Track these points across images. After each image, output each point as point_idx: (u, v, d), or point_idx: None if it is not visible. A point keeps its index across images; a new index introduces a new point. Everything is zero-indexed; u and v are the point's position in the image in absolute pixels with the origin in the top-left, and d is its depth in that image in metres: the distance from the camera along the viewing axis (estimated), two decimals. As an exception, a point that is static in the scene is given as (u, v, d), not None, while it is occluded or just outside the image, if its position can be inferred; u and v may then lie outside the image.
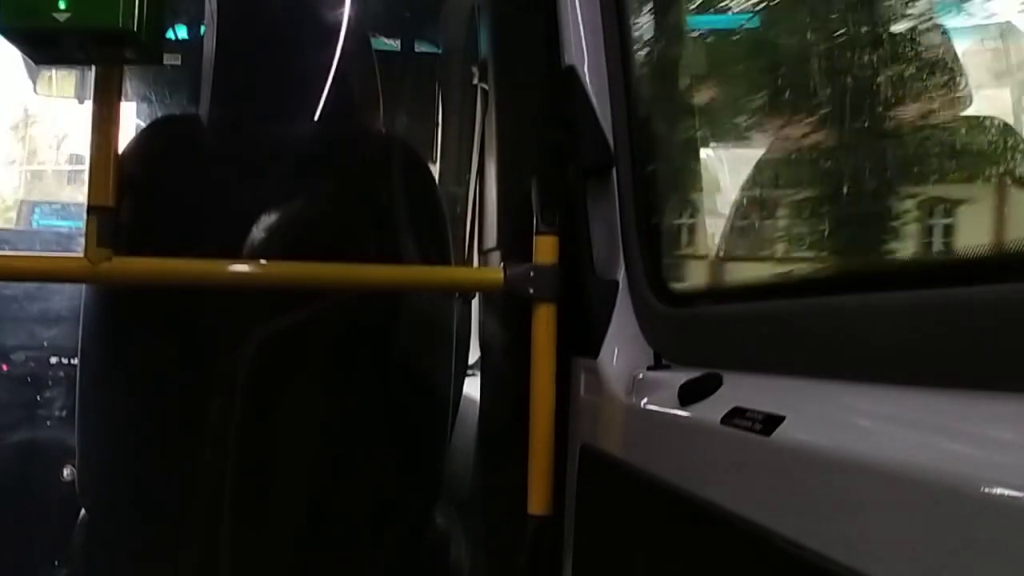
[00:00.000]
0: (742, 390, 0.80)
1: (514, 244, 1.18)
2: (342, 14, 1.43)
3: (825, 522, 0.62)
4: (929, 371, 0.60)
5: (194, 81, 1.47)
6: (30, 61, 2.16)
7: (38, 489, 2.41)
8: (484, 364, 1.30)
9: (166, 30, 2.06)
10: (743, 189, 1.01)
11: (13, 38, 1.02)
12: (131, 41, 1.02)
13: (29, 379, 2.60)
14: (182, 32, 2.30)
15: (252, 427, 1.36)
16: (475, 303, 1.75)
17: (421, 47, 2.51)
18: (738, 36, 1.09)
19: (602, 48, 1.16)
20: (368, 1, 1.64)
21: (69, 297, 2.45)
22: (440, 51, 2.51)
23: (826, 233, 0.85)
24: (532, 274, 1.13)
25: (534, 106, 1.24)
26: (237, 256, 1.27)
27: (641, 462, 0.92)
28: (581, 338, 1.12)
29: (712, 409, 0.79)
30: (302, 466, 1.41)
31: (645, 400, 0.97)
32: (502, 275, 1.15)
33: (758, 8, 1.03)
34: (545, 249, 1.13)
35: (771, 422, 0.69)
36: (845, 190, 0.84)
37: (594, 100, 1.15)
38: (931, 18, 0.78)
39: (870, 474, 0.58)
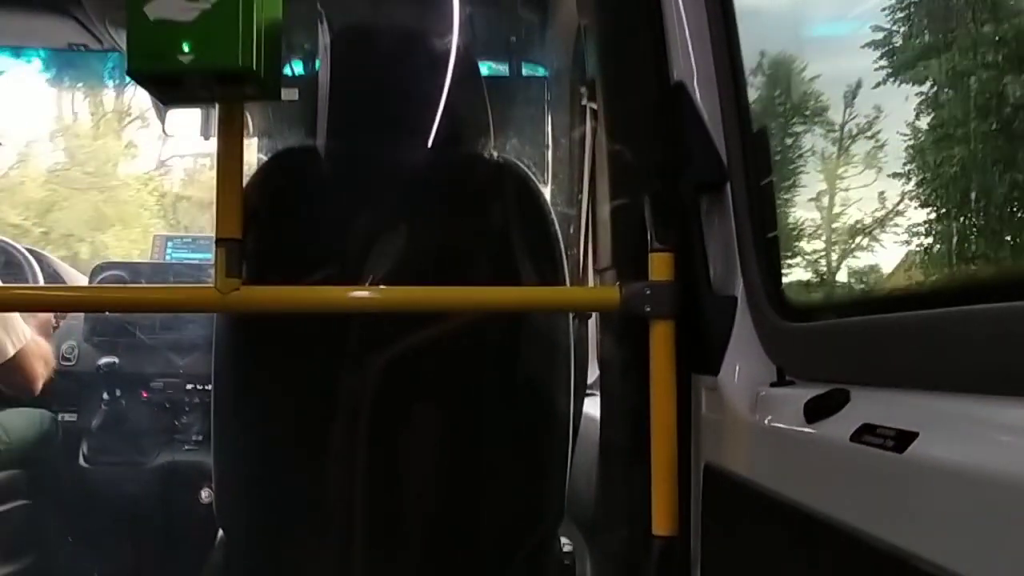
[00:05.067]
0: (871, 406, 0.78)
1: (629, 262, 1.18)
2: (450, 43, 1.46)
3: (964, 542, 0.60)
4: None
5: (311, 114, 1.52)
6: (159, 103, 2.28)
7: (178, 511, 2.51)
8: (603, 383, 1.30)
9: (283, 67, 2.13)
10: (864, 199, 0.98)
11: (143, 82, 1.08)
12: (251, 79, 1.06)
13: (167, 405, 2.71)
14: (298, 68, 2.38)
15: (379, 449, 1.39)
16: (592, 322, 1.75)
17: (528, 70, 2.54)
18: (851, 43, 1.06)
19: (711, 63, 1.14)
20: (476, 28, 1.67)
21: (202, 325, 2.55)
22: (547, 73, 2.53)
23: (955, 242, 0.82)
24: (648, 292, 1.12)
25: (644, 124, 1.24)
26: (358, 281, 1.31)
27: (767, 481, 0.90)
28: (700, 355, 1.10)
29: (840, 426, 0.78)
30: (429, 488, 1.44)
31: (769, 418, 0.95)
32: (618, 294, 1.15)
33: (875, 14, 1.01)
34: (661, 266, 1.12)
35: (904, 438, 0.67)
36: (974, 197, 0.81)
37: (705, 116, 1.13)
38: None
39: (1012, 491, 0.56)
